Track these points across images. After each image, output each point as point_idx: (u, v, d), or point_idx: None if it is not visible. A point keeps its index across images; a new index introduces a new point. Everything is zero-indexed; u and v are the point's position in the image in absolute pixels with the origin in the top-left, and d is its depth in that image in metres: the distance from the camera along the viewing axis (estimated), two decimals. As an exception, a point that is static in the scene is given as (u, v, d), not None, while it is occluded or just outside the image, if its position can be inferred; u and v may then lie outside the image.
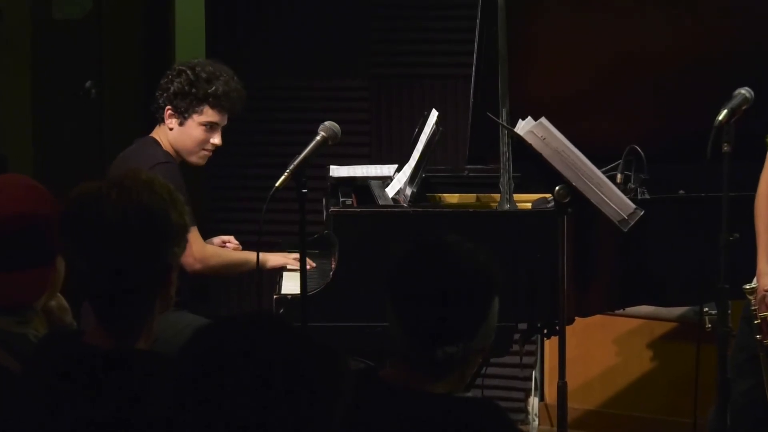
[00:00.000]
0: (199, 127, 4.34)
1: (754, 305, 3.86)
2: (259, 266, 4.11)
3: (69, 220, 2.39)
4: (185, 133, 4.35)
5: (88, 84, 5.09)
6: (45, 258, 2.67)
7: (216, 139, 4.37)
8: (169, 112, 4.35)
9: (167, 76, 4.37)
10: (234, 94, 4.35)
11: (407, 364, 2.49)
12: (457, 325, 2.47)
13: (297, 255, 4.07)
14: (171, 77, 4.35)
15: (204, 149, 4.38)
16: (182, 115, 4.33)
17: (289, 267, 4.30)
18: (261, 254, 4.10)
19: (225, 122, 4.39)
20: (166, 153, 4.33)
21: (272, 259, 4.34)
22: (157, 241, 2.35)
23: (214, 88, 4.31)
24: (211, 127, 4.35)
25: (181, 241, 2.42)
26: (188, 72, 4.33)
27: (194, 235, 4.16)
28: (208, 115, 4.33)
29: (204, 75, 4.31)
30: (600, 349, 5.31)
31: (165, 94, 4.35)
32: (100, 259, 2.34)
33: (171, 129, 4.35)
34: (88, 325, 2.51)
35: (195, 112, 4.32)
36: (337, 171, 4.61)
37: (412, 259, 2.53)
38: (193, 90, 4.30)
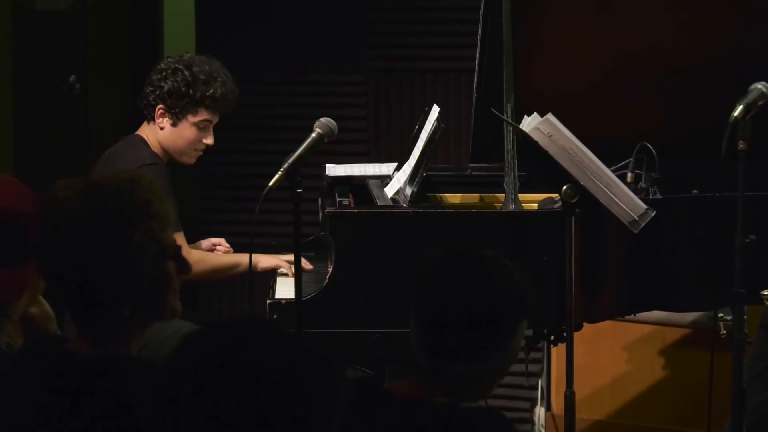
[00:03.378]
0: (192, 127, 4.32)
1: (773, 311, 3.84)
2: (251, 269, 4.08)
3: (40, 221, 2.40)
4: (178, 134, 4.32)
5: (72, 78, 5.04)
6: (21, 257, 2.61)
7: (209, 139, 4.37)
8: (161, 110, 4.31)
9: (161, 73, 4.33)
10: (231, 96, 4.36)
11: (421, 377, 2.46)
12: (479, 343, 2.44)
13: (290, 257, 4.06)
14: (165, 74, 4.31)
15: (195, 149, 4.37)
16: (176, 116, 4.31)
17: (282, 271, 4.27)
18: (252, 256, 4.07)
19: (217, 120, 4.38)
20: (153, 153, 4.30)
21: (263, 260, 4.31)
22: (111, 252, 2.32)
23: (212, 90, 4.30)
24: (204, 126, 4.34)
25: (162, 253, 2.39)
26: (185, 71, 4.30)
27: (179, 241, 4.09)
28: (203, 115, 4.32)
29: (202, 76, 4.30)
30: (609, 357, 5.29)
31: (157, 92, 4.31)
32: (57, 263, 2.35)
33: (162, 128, 4.33)
34: (72, 332, 2.48)
35: (190, 113, 4.30)
36: (333, 170, 4.58)
37: (443, 268, 2.50)
38: (191, 91, 4.28)
